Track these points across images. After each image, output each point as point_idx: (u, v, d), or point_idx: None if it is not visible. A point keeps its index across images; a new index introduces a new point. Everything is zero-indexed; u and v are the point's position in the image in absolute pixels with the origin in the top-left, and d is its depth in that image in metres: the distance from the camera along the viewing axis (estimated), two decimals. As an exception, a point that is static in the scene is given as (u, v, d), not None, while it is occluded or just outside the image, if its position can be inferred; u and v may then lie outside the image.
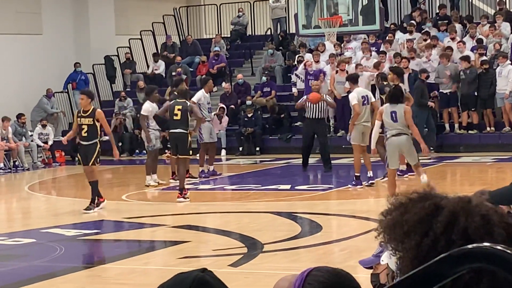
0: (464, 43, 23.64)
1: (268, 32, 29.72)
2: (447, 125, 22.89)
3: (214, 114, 22.24)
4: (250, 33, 30.75)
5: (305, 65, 23.81)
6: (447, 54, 22.71)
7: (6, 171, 23.29)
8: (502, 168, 19.41)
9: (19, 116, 24.65)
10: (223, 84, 26.23)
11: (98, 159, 14.88)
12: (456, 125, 22.84)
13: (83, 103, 14.98)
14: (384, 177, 17.02)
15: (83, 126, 14.76)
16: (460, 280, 1.59)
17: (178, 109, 16.31)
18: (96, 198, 15.10)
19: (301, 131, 21.57)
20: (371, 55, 23.95)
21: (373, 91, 18.95)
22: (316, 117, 18.74)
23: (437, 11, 27.44)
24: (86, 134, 14.74)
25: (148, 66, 29.21)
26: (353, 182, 16.85)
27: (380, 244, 1.75)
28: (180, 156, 16.20)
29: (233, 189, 18.11)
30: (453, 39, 24.12)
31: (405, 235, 1.73)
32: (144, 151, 20.09)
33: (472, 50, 23.64)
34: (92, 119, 14.70)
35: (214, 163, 19.87)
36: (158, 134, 18.20)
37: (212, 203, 16.07)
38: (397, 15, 28.63)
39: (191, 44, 28.97)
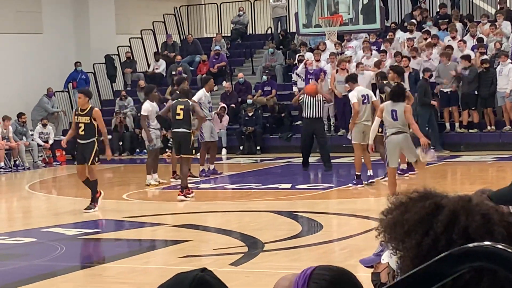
0: (464, 42, 23.63)
1: (269, 31, 29.71)
2: (447, 124, 22.89)
3: (215, 113, 22.23)
4: (251, 32, 30.74)
5: (305, 64, 23.80)
6: (448, 53, 22.70)
7: (7, 170, 23.29)
8: (503, 167, 19.41)
9: (20, 115, 24.65)
10: (224, 83, 26.23)
11: (97, 158, 14.86)
12: (457, 124, 22.83)
13: (80, 101, 14.98)
14: (385, 176, 17.02)
15: (80, 125, 14.76)
16: (461, 279, 1.59)
17: (181, 109, 16.32)
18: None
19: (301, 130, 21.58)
20: (371, 54, 23.95)
21: (374, 90, 18.94)
22: (314, 116, 18.74)
23: (438, 10, 27.45)
24: (83, 133, 14.73)
25: (148, 65, 29.21)
26: (354, 181, 16.84)
27: (381, 243, 1.75)
28: (183, 156, 16.21)
29: (233, 188, 18.11)
30: (453, 38, 24.12)
31: (406, 234, 1.73)
32: (145, 150, 20.09)
33: (472, 49, 23.63)
34: (89, 117, 14.69)
35: (214, 162, 19.88)
36: (158, 133, 18.20)
37: (213, 202, 16.07)
38: (397, 14, 28.64)
39: (191, 43, 28.98)
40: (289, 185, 17.51)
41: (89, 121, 14.69)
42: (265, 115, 25.13)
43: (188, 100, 16.66)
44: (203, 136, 19.05)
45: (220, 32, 29.87)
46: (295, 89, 24.50)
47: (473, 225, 1.69)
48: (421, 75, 22.41)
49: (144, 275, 10.17)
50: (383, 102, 15.24)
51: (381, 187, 16.45)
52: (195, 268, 2.02)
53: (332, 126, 24.02)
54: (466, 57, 22.51)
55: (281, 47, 27.85)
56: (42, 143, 24.61)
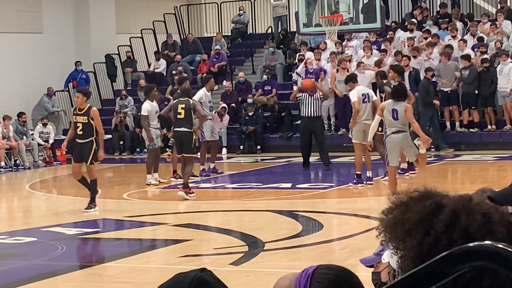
0: (465, 41, 23.63)
1: (269, 31, 29.72)
2: (448, 123, 22.88)
3: (215, 112, 22.24)
4: (251, 32, 30.75)
5: (305, 63, 23.81)
6: (448, 52, 22.69)
7: (7, 169, 23.30)
8: (503, 166, 19.40)
9: (20, 115, 24.65)
10: (224, 82, 26.23)
11: (96, 158, 14.83)
12: (457, 123, 22.83)
13: (78, 101, 14.95)
14: (385, 175, 17.02)
15: (79, 124, 14.72)
16: (462, 278, 1.59)
17: (182, 108, 16.34)
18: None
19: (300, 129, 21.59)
20: (371, 53, 23.95)
21: (375, 89, 18.94)
22: (312, 115, 18.76)
23: (438, 9, 27.45)
24: (81, 132, 14.69)
25: (149, 65, 29.22)
26: (354, 181, 16.84)
27: (381, 243, 1.75)
28: (185, 155, 16.24)
29: (234, 188, 18.11)
30: (454, 37, 24.12)
31: (407, 234, 1.73)
32: (145, 150, 20.10)
33: (473, 48, 23.63)
34: (87, 117, 14.63)
35: (215, 161, 19.89)
36: (158, 132, 18.21)
37: (213, 201, 16.07)
38: (398, 13, 28.64)
39: (192, 43, 28.98)
40: (289, 185, 17.51)
41: (87, 121, 14.64)
42: (265, 115, 25.13)
43: (189, 99, 16.68)
44: (203, 136, 19.05)
45: (220, 31, 29.87)
46: (295, 88, 24.49)
47: (474, 224, 1.69)
48: (422, 74, 22.40)
49: (144, 274, 10.17)
50: (383, 101, 15.24)
51: (382, 187, 16.45)
52: (195, 267, 2.01)
53: (332, 126, 24.02)
54: (466, 57, 22.51)
55: (281, 46, 27.85)
56: (43, 143, 24.61)
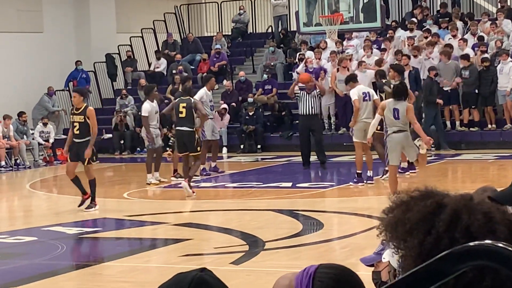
0: (465, 40, 23.62)
1: (269, 30, 29.72)
2: (448, 123, 22.88)
3: (216, 112, 22.24)
4: (251, 31, 30.74)
5: (305, 62, 23.80)
6: (447, 52, 22.69)
7: (8, 169, 23.30)
8: (504, 165, 19.40)
9: (21, 114, 24.65)
10: (224, 81, 26.23)
11: (93, 157, 14.79)
12: (457, 123, 22.83)
13: (75, 100, 14.91)
14: (383, 175, 17.03)
15: (75, 124, 14.69)
16: (463, 278, 1.59)
17: (183, 107, 16.37)
18: (82, 195, 15.00)
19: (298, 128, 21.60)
20: (372, 52, 23.95)
21: (375, 88, 18.94)
22: (310, 113, 18.77)
23: (438, 9, 27.44)
24: (78, 132, 14.65)
25: (149, 64, 29.22)
26: (355, 180, 16.84)
27: (382, 242, 1.75)
28: (191, 154, 16.29)
29: (234, 187, 18.10)
30: (454, 36, 24.11)
31: (408, 234, 1.73)
32: (145, 149, 20.10)
33: (473, 47, 23.63)
34: (83, 116, 14.58)
35: (216, 160, 19.90)
36: (158, 132, 18.22)
37: (214, 201, 16.07)
38: (398, 13, 28.63)
39: (192, 42, 28.97)
40: (289, 184, 17.51)
41: (83, 120, 14.58)
42: (265, 114, 25.13)
43: (191, 98, 16.71)
44: (204, 135, 19.06)
45: (220, 30, 29.86)
46: (296, 87, 24.48)
47: (475, 223, 1.69)
48: (424, 73, 22.39)
49: (144, 274, 10.17)
50: (383, 101, 15.23)
51: (382, 186, 16.45)
52: (196, 267, 2.01)
53: (332, 125, 24.02)
54: (465, 57, 22.51)
55: (281, 45, 27.85)
56: (43, 142, 24.61)
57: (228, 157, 23.95)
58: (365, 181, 16.69)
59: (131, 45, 29.34)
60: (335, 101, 23.48)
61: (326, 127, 23.78)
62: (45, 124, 25.03)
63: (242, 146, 24.43)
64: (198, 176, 18.99)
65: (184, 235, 12.38)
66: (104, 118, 26.47)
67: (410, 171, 17.48)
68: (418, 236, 1.71)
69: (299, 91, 19.03)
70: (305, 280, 2.11)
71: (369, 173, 16.77)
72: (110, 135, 25.76)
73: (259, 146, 24.44)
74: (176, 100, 16.97)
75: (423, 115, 21.69)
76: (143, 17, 30.14)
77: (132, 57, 29.12)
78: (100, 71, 28.86)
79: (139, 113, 21.10)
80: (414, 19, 25.92)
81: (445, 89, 22.64)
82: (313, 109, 18.80)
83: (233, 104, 25.20)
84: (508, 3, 26.51)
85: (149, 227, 13.58)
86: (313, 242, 11.55)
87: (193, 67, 27.84)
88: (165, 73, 27.90)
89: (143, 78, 27.29)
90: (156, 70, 28.12)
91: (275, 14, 28.95)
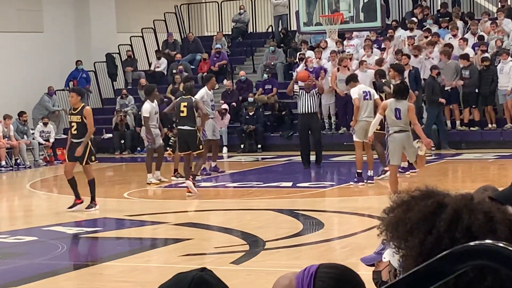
0: (465, 40, 23.62)
1: (270, 30, 29.72)
2: (448, 122, 22.88)
3: (216, 111, 22.24)
4: (252, 31, 30.75)
5: (306, 62, 23.80)
6: (447, 51, 22.68)
7: (8, 169, 23.30)
8: (504, 165, 19.40)
9: (21, 114, 24.65)
10: (225, 81, 26.23)
11: (92, 157, 14.74)
12: (458, 122, 22.83)
13: (72, 100, 14.87)
14: (380, 174, 17.03)
15: (73, 124, 14.66)
16: (464, 277, 1.59)
17: (184, 106, 16.39)
18: (75, 198, 14.96)
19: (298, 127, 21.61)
20: (372, 52, 23.94)
21: (375, 88, 18.94)
22: (308, 111, 18.78)
23: (439, 8, 27.44)
24: (75, 132, 14.62)
25: (149, 64, 29.22)
26: (355, 179, 16.84)
27: (382, 242, 1.75)
28: (194, 153, 16.32)
29: (235, 187, 18.10)
30: (454, 36, 24.11)
31: (408, 233, 1.72)
32: (145, 149, 20.11)
33: (473, 47, 23.63)
34: (80, 116, 14.54)
35: (216, 160, 19.90)
36: (158, 132, 18.23)
37: (214, 200, 16.07)
38: (398, 12, 28.63)
39: (192, 42, 28.98)
40: (290, 183, 17.51)
41: (80, 120, 14.53)
42: (266, 114, 25.13)
43: (192, 97, 16.72)
44: (205, 134, 19.07)
45: (221, 30, 29.87)
46: (296, 87, 24.49)
47: (476, 223, 1.68)
48: (424, 73, 22.39)
49: (145, 273, 10.17)
50: (384, 101, 15.22)
51: (382, 186, 16.44)
52: (196, 266, 2.01)
53: (333, 124, 24.01)
54: (465, 56, 22.50)
55: (282, 45, 27.85)
56: (43, 142, 24.61)
57: (229, 156, 23.95)
58: (365, 181, 16.69)
59: (131, 45, 29.34)
60: (335, 100, 23.48)
61: (326, 127, 23.79)
62: (45, 124, 25.03)
63: (242, 146, 24.43)
64: (198, 175, 18.99)
65: (185, 235, 12.38)
66: (104, 118, 26.49)
67: (411, 170, 17.47)
68: (419, 235, 1.71)
69: (299, 90, 19.04)
70: (307, 280, 2.11)
71: (370, 172, 16.76)
72: (110, 135, 25.77)
73: (259, 146, 24.44)
74: (178, 99, 16.99)
75: (423, 115, 21.70)
76: (143, 17, 30.15)
77: (132, 56, 29.12)
78: (100, 71, 28.86)
79: (139, 112, 21.11)
80: (414, 19, 25.92)
81: (445, 88, 22.63)
82: (311, 108, 18.80)
83: (234, 103, 25.20)
84: (508, 3, 26.50)
85: (150, 226, 13.58)
86: (313, 241, 11.55)
87: (193, 67, 27.84)
88: (165, 73, 27.90)
89: (143, 77, 27.29)
90: (157, 69, 28.12)
91: (275, 13, 28.96)
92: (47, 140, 24.71)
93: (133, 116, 25.94)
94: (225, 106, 24.51)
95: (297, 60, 25.42)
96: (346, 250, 10.94)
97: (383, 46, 24.40)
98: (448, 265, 1.56)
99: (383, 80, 17.62)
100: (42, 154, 24.69)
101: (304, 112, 18.87)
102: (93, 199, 14.93)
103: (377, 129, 15.27)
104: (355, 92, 16.92)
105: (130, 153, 25.55)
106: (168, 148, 20.27)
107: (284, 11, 28.86)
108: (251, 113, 24.53)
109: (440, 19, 25.83)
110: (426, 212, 1.73)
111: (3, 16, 26.43)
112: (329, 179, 18.62)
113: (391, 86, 17.13)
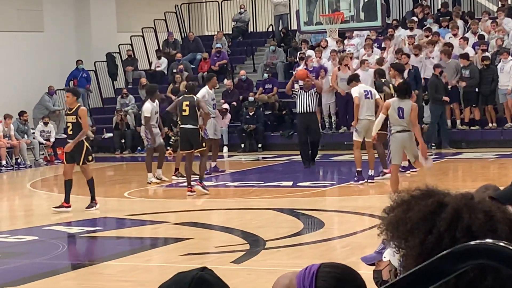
0: (465, 39, 23.62)
1: (270, 29, 29.71)
2: (449, 121, 22.87)
3: (217, 110, 22.25)
4: (252, 30, 30.74)
5: (306, 61, 23.79)
6: (447, 51, 22.68)
7: (9, 168, 23.30)
8: (505, 164, 19.40)
9: (21, 113, 24.66)
10: (225, 80, 26.23)
11: (88, 157, 14.68)
12: (458, 121, 22.82)
13: (68, 100, 14.82)
14: (379, 174, 17.02)
15: (69, 124, 14.61)
16: (465, 277, 1.59)
17: (186, 105, 16.40)
18: (63, 201, 14.91)
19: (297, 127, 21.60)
20: (372, 51, 23.94)
21: (375, 88, 18.94)
22: (307, 111, 18.78)
23: (439, 7, 27.43)
24: (71, 132, 14.56)
25: (150, 63, 29.22)
26: (355, 178, 16.83)
27: (383, 241, 1.75)
28: (197, 151, 16.34)
29: (235, 186, 18.11)
30: (455, 35, 24.11)
31: (409, 233, 1.72)
32: (145, 149, 20.12)
33: (474, 46, 23.63)
34: (75, 117, 14.47)
35: (216, 160, 19.90)
36: (157, 131, 18.24)
37: (214, 199, 16.07)
38: (398, 11, 28.63)
39: (192, 41, 28.97)
40: (290, 183, 17.51)
41: (75, 120, 14.44)
42: (266, 113, 25.13)
43: (194, 96, 16.74)
44: (206, 134, 19.06)
45: (221, 29, 29.86)
46: (296, 86, 24.49)
47: (476, 222, 1.68)
48: (424, 72, 22.39)
49: (145, 273, 10.17)
50: (387, 100, 15.20)
51: (383, 185, 16.43)
52: (197, 266, 2.01)
53: (333, 124, 24.01)
54: (465, 56, 22.50)
55: (282, 44, 27.85)
56: (44, 141, 24.62)
57: (229, 156, 23.95)
58: (366, 180, 16.68)
59: (131, 44, 29.34)
60: (335, 100, 23.48)
61: (326, 126, 23.79)
62: (45, 124, 25.03)
63: (242, 145, 24.43)
64: (198, 175, 18.99)
65: (185, 234, 12.38)
66: (104, 117, 26.51)
67: (411, 170, 17.47)
68: (419, 235, 1.71)
69: (297, 90, 19.03)
70: (308, 279, 2.11)
71: (370, 172, 16.75)
72: (111, 134, 25.77)
73: (259, 145, 24.44)
74: (180, 98, 17.00)
75: (424, 114, 21.68)
76: (143, 16, 30.14)
77: (132, 56, 29.12)
78: (100, 70, 28.86)
79: (140, 112, 21.12)
80: (414, 18, 25.91)
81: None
82: (310, 107, 18.80)
83: (234, 103, 25.20)
84: (509, 2, 26.50)
85: (150, 226, 13.59)
86: (313, 241, 11.54)
87: (193, 66, 27.84)
88: (165, 72, 27.90)
89: (143, 77, 27.29)
90: (157, 69, 28.13)
91: (275, 13, 28.95)
92: (48, 140, 24.71)
93: (134, 116, 25.94)
94: (225, 105, 24.52)
95: (297, 59, 25.42)
96: (346, 250, 10.94)
97: (383, 45, 24.39)
98: (449, 264, 1.56)
99: (383, 80, 17.60)
100: (43, 154, 24.70)
101: (302, 111, 18.87)
102: (93, 198, 14.91)
103: (380, 130, 15.24)
104: (355, 91, 16.92)
105: (131, 153, 25.56)
106: (168, 148, 20.27)
107: (284, 11, 28.85)
108: (251, 113, 24.53)
109: (441, 18, 25.83)
110: (427, 212, 1.73)
111: (3, 15, 26.43)
112: (330, 178, 18.62)
113: (391, 86, 17.14)
